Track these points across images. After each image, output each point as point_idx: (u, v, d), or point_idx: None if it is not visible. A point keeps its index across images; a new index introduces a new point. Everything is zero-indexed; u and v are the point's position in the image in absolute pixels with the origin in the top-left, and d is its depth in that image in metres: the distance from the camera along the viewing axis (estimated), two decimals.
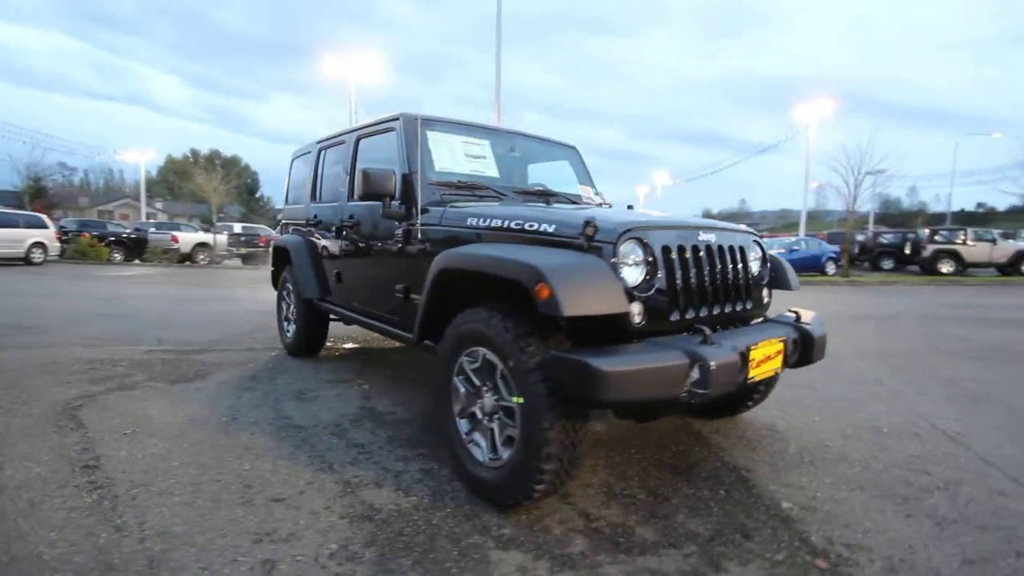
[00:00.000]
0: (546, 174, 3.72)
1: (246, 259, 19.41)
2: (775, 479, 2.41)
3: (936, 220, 39.46)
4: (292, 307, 4.56)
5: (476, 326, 2.10)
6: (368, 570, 1.70)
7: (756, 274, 2.54)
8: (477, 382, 2.19)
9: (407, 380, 3.89)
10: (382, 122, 3.30)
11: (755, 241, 2.59)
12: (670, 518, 2.06)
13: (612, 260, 1.95)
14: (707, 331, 1.93)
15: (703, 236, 2.28)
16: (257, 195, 59.32)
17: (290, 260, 4.41)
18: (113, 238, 18.04)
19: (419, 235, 2.76)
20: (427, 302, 2.46)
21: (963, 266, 17.85)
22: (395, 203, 2.90)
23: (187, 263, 18.20)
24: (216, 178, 20.57)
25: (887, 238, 21.19)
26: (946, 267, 17.81)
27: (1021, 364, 4.80)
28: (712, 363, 1.79)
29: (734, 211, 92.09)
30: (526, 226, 2.24)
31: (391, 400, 3.42)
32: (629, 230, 2.01)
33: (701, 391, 1.81)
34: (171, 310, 7.24)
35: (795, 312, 2.56)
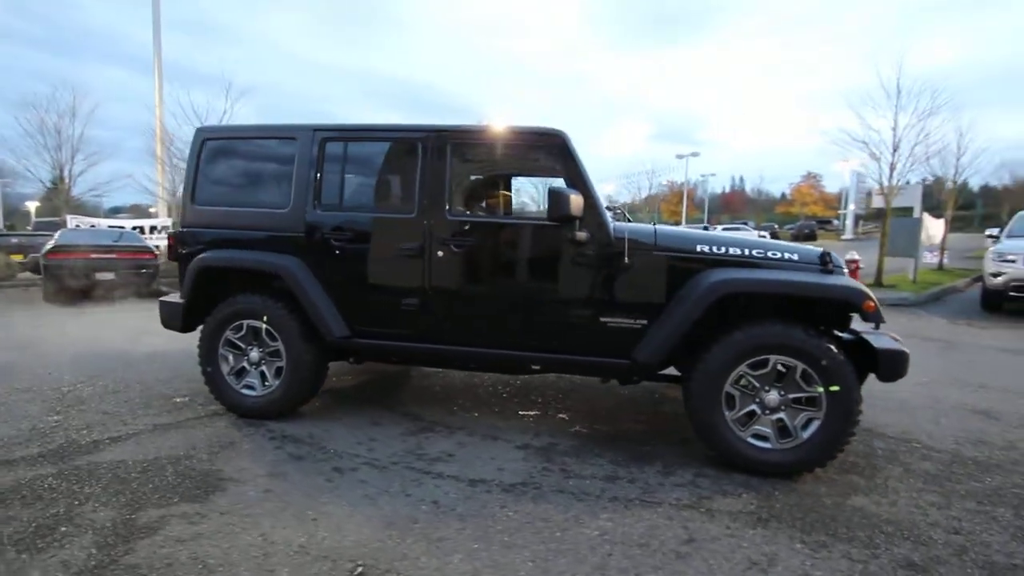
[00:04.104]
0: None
1: None
2: None
3: None
4: (265, 354, 3.28)
5: (778, 338, 2.56)
6: (815, 554, 2.06)
7: None
8: (758, 385, 2.64)
9: (472, 410, 3.53)
10: (524, 133, 2.98)
11: None
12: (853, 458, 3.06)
13: None
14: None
15: None
16: None
17: (287, 289, 3.19)
18: None
19: (626, 258, 2.81)
20: (688, 325, 2.66)
21: None
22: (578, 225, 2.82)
23: None
24: None
25: None
26: None
27: None
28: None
29: None
30: (769, 254, 2.79)
31: (520, 431, 3.17)
32: None
33: None
34: None
35: None
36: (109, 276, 9.75)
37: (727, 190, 69.95)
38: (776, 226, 41.95)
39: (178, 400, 3.72)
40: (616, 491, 2.49)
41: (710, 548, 2.05)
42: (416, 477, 2.60)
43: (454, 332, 3.12)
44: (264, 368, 3.32)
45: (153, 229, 16.38)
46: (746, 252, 2.81)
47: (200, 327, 3.49)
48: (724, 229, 35.16)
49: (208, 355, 3.35)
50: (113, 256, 9.94)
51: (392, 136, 3.21)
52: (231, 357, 3.36)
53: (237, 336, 3.33)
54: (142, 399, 3.74)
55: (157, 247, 11.95)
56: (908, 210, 12.05)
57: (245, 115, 12.15)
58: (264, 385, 3.32)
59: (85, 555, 1.94)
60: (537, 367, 3.17)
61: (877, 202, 12.08)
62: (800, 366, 2.58)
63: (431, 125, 3.09)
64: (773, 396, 2.64)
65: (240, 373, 3.37)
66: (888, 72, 12.54)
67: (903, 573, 1.92)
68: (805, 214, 40.47)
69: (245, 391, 3.34)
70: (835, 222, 37.08)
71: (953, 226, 15.40)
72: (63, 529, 2.10)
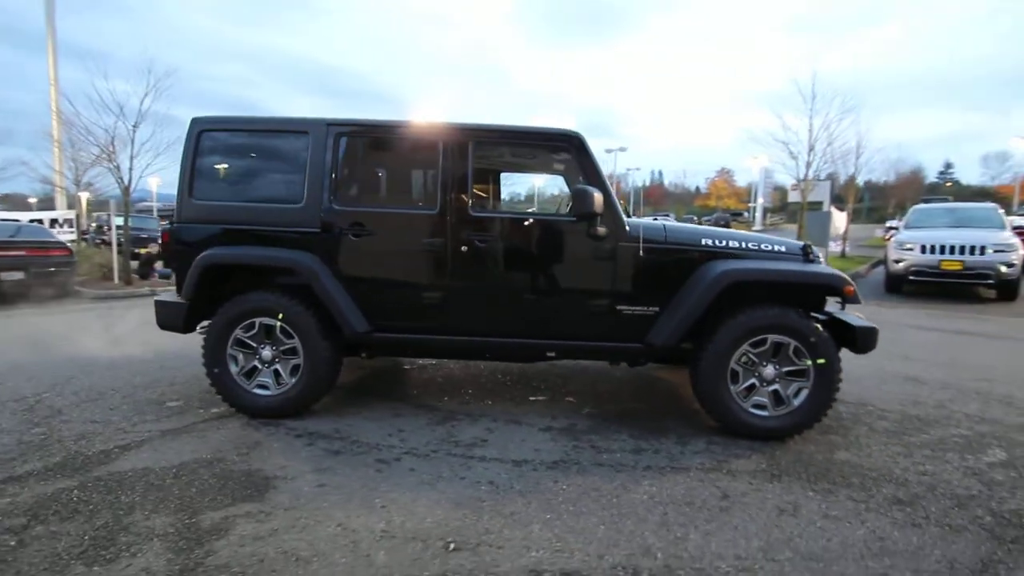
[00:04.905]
0: None
1: None
2: None
3: None
4: (279, 352, 3.23)
5: (775, 320, 2.93)
6: (813, 485, 2.47)
7: None
8: (757, 361, 3.02)
9: (483, 399, 3.67)
10: (543, 133, 3.14)
11: None
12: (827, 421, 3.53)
13: None
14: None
15: None
16: None
17: (299, 285, 3.16)
18: None
19: (641, 252, 3.08)
20: (701, 311, 2.96)
21: None
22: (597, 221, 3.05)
23: None
24: None
25: None
26: None
27: None
28: None
29: None
30: (762, 246, 3.16)
31: (538, 415, 3.36)
32: None
33: None
34: None
35: None
36: (17, 276, 8.72)
37: (647, 184, 73.50)
38: (695, 217, 44.84)
39: (172, 405, 3.55)
40: (647, 461, 2.76)
41: (743, 501, 2.37)
42: (461, 462, 2.72)
43: (475, 324, 3.24)
44: (279, 367, 3.26)
45: (55, 223, 14.72)
46: (743, 245, 3.17)
47: (196, 328, 3.39)
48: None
49: (215, 356, 3.24)
50: (21, 253, 8.87)
51: (411, 133, 3.25)
52: (241, 357, 3.27)
53: (248, 335, 3.25)
54: (130, 406, 3.52)
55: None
56: (819, 204, 13.49)
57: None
58: (278, 384, 3.27)
59: (164, 560, 1.91)
60: (552, 354, 3.37)
61: (794, 196, 13.39)
62: (793, 343, 2.98)
63: (452, 123, 3.18)
64: (770, 370, 3.03)
65: (251, 373, 3.29)
66: (803, 78, 13.88)
67: (896, 508, 2.34)
68: (721, 207, 43.65)
69: (258, 391, 3.26)
70: (746, 214, 40.25)
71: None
72: (123, 539, 2.04)
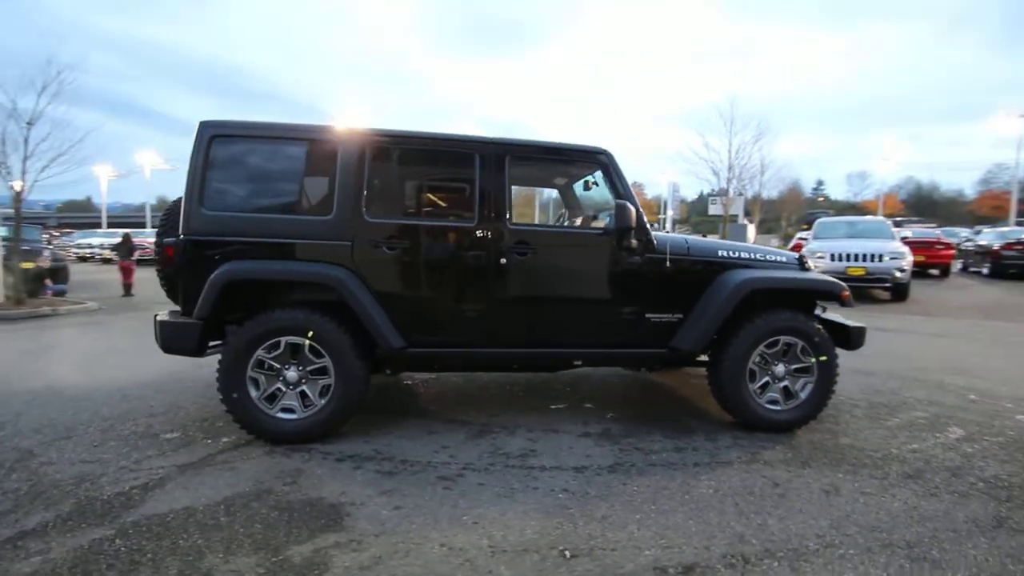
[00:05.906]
0: None
1: None
2: None
3: None
4: (306, 372, 3.04)
5: (787, 323, 3.27)
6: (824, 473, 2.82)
7: None
8: (770, 359, 3.34)
9: (507, 409, 3.69)
10: (574, 149, 3.26)
11: None
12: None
13: None
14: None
15: None
16: None
17: (327, 302, 3.01)
18: None
19: (668, 263, 3.29)
20: (726, 317, 3.22)
21: None
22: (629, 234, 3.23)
23: None
24: None
25: None
26: None
27: None
28: None
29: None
30: (768, 256, 3.51)
31: (570, 423, 3.45)
32: None
33: None
34: None
35: None
36: None
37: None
38: None
39: (169, 437, 3.21)
40: (693, 459, 2.96)
41: (793, 487, 2.63)
42: (524, 473, 2.75)
43: (509, 335, 3.29)
44: (306, 388, 3.08)
45: None
46: (753, 256, 3.51)
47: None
48: None
49: (234, 379, 2.98)
50: None
51: (446, 146, 3.24)
52: (263, 379, 3.04)
53: (271, 355, 3.03)
54: (118, 441, 3.13)
55: None
56: (735, 216, 14.91)
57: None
58: (305, 407, 3.08)
59: None
60: (579, 362, 3.50)
61: (714, 209, 14.67)
62: (800, 343, 3.34)
63: (488, 137, 3.22)
64: (780, 368, 3.37)
65: (272, 397, 3.06)
66: (722, 103, 15.30)
67: (910, 481, 2.72)
68: None
69: (283, 415, 3.05)
70: (655, 225, 43.10)
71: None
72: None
